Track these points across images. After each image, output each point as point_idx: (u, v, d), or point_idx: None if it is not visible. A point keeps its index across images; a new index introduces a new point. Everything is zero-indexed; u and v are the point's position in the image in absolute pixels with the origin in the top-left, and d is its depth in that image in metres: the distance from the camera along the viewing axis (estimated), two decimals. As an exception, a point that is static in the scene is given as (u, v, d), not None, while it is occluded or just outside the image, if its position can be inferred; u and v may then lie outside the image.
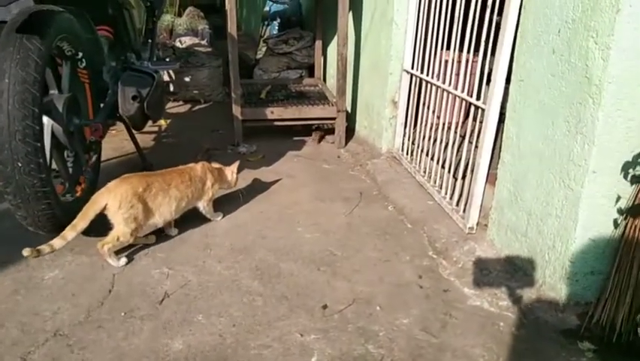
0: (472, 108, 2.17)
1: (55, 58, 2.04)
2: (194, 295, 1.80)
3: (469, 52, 2.16)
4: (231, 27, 3.03)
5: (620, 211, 1.60)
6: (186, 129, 3.65)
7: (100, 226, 1.95)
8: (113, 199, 1.89)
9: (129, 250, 2.03)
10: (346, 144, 3.36)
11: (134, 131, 2.77)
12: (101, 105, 2.33)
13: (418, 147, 2.73)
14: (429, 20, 2.50)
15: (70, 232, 1.85)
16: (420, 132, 2.72)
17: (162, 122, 3.70)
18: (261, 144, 3.30)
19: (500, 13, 1.91)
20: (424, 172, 2.63)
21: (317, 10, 3.93)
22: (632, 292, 1.57)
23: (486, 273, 1.92)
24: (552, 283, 1.74)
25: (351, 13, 3.32)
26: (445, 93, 2.41)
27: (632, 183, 1.57)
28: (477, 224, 2.17)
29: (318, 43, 4.05)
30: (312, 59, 4.19)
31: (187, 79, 4.27)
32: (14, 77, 1.67)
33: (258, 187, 2.69)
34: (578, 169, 1.58)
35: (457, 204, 2.29)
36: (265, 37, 4.75)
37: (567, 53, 1.60)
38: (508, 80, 1.94)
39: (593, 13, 1.49)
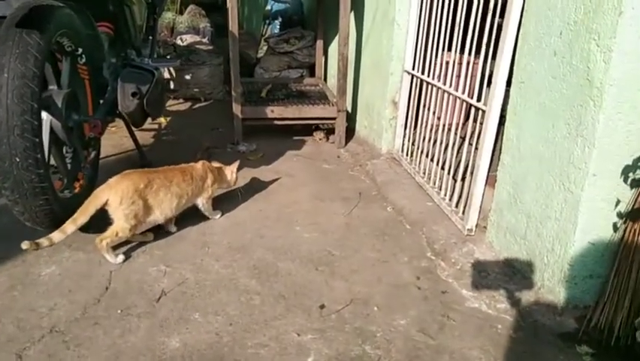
0: (473, 110, 2.16)
1: (55, 53, 2.03)
2: (191, 293, 1.79)
3: (470, 54, 2.16)
4: (232, 25, 3.03)
5: (619, 215, 1.60)
6: (186, 127, 3.64)
7: (99, 222, 1.94)
8: (115, 195, 1.90)
9: (126, 247, 2.03)
10: (346, 144, 3.36)
11: (133, 129, 2.76)
12: (101, 102, 2.32)
13: (418, 148, 2.72)
14: (430, 21, 2.50)
15: (70, 226, 1.85)
16: (420, 133, 2.71)
17: (162, 119, 3.69)
18: (260, 142, 3.29)
19: (502, 15, 1.91)
20: (424, 173, 2.62)
21: (318, 9, 3.93)
22: (631, 296, 1.56)
23: (484, 275, 1.91)
24: (551, 286, 1.73)
25: (352, 12, 3.31)
26: (446, 95, 2.41)
27: (631, 186, 1.56)
28: (476, 226, 2.16)
29: (320, 43, 4.04)
30: (313, 58, 4.18)
31: (188, 77, 4.26)
32: (13, 71, 1.66)
33: (257, 186, 2.68)
34: (578, 172, 1.58)
35: (457, 206, 2.29)
36: (266, 36, 4.74)
37: (568, 55, 1.60)
38: (509, 83, 1.93)
39: (595, 16, 1.48)
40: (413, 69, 2.73)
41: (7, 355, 1.47)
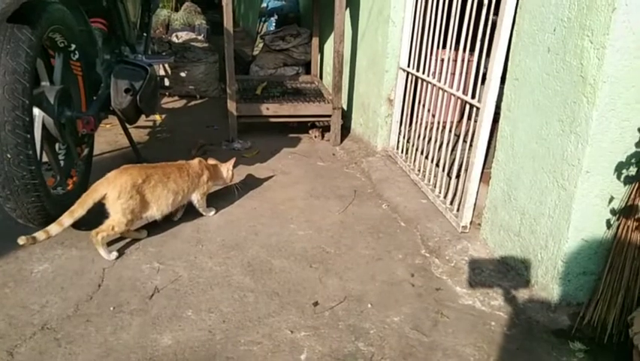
0: (468, 107, 2.16)
1: (47, 49, 2.01)
2: (184, 290, 1.78)
3: (465, 50, 2.15)
4: (227, 23, 3.02)
5: (612, 212, 1.60)
6: (181, 124, 3.63)
7: (93, 218, 1.93)
8: (113, 189, 1.90)
9: (120, 245, 2.02)
10: (342, 141, 3.35)
11: (127, 126, 2.75)
12: (94, 98, 2.31)
13: (413, 145, 2.72)
14: (425, 18, 2.49)
15: (67, 219, 1.85)
16: (415, 131, 2.71)
17: (157, 117, 3.68)
18: (255, 140, 3.28)
19: (496, 12, 1.90)
20: (419, 171, 2.62)
21: (314, 6, 3.92)
22: (624, 293, 1.56)
23: (478, 272, 1.91)
24: (544, 283, 1.73)
25: (348, 10, 3.30)
26: (441, 92, 2.40)
27: (625, 183, 1.56)
28: (470, 223, 2.16)
29: (315, 41, 4.03)
30: (309, 55, 4.17)
31: (183, 74, 4.24)
32: (4, 66, 1.65)
33: (251, 183, 2.67)
34: (572, 169, 1.58)
35: (451, 203, 2.28)
36: (262, 33, 4.73)
37: (562, 52, 1.59)
38: (503, 80, 1.93)
39: (588, 12, 1.48)
40: (408, 66, 2.73)
41: (-2, 352, 1.46)
